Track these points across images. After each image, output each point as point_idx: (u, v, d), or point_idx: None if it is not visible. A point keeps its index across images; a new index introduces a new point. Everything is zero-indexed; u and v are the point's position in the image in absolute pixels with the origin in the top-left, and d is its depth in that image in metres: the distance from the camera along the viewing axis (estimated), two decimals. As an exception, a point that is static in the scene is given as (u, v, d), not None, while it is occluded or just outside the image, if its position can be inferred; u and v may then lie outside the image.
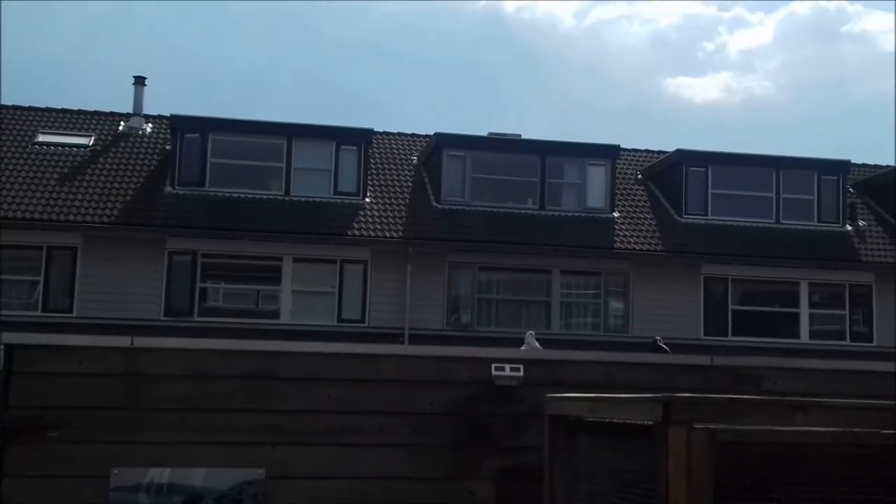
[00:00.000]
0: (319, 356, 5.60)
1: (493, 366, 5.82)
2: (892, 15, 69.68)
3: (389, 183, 23.40)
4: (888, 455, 3.50)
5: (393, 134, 25.81)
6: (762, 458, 3.36)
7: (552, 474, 4.76)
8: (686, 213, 23.24)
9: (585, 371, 6.06)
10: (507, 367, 5.86)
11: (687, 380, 6.17)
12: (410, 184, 23.51)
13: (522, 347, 14.57)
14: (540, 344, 16.13)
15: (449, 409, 5.71)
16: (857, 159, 25.54)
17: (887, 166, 25.95)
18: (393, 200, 22.69)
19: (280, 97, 60.74)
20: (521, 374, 5.83)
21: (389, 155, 24.69)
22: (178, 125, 21.94)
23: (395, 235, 21.54)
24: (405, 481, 5.51)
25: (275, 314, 21.03)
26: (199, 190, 21.40)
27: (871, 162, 26.93)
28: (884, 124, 65.77)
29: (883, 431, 3.33)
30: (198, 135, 21.62)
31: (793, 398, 3.53)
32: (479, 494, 5.60)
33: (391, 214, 22.14)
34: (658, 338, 18.48)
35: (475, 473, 5.60)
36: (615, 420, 4.23)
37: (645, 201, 23.99)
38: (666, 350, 14.48)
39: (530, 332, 17.59)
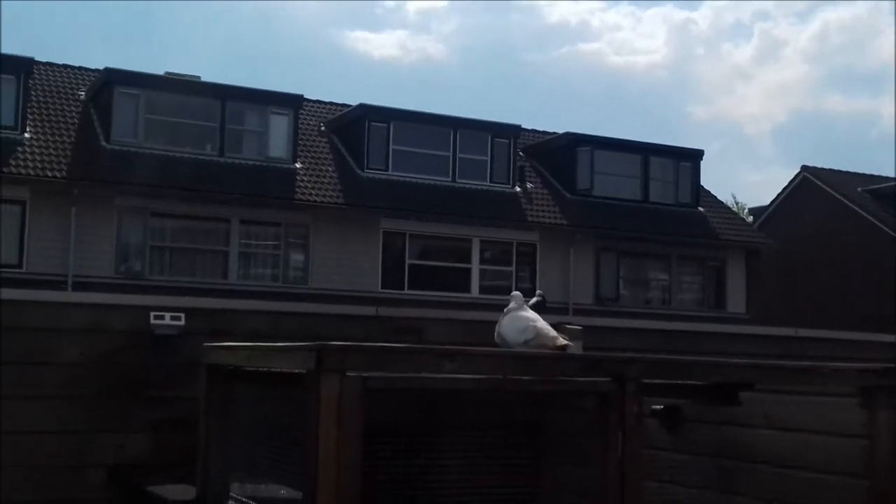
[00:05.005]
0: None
1: (152, 314, 5.57)
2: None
3: (53, 118, 21.69)
4: (529, 400, 3.68)
5: (58, 65, 23.96)
6: (412, 404, 3.41)
7: (207, 424, 4.61)
8: (367, 168, 23.54)
9: (249, 320, 5.95)
10: (167, 315, 5.63)
11: (352, 330, 6.22)
12: (77, 121, 21.96)
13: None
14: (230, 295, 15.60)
15: (102, 358, 5.40)
16: (520, 124, 26.87)
17: (553, 133, 27.76)
18: (57, 137, 21.08)
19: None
20: (182, 322, 5.62)
21: (54, 88, 22.90)
22: None
23: (59, 175, 20.07)
24: (47, 436, 5.16)
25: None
26: None
27: (539, 128, 28.70)
28: (547, 92, 70.58)
29: (524, 377, 3.49)
30: None
31: (443, 346, 3.60)
32: (129, 447, 5.36)
33: (54, 152, 20.58)
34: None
35: (126, 426, 5.34)
36: (272, 369, 4.15)
37: (327, 153, 24.02)
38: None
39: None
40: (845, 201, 29.48)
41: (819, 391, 4.44)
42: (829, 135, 70.30)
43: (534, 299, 4.89)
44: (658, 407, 4.87)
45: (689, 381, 4.43)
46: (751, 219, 33.28)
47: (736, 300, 26.38)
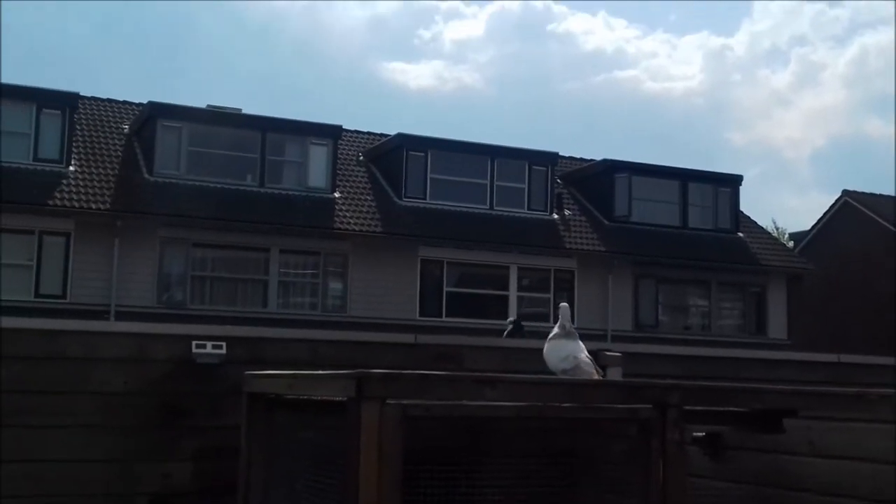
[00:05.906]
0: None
1: (193, 343, 5.60)
2: (592, 17, 74.75)
3: (97, 151, 22.12)
4: (568, 427, 3.67)
5: (102, 100, 24.43)
6: (452, 432, 3.41)
7: (249, 453, 4.63)
8: (405, 197, 23.67)
9: (289, 349, 5.96)
10: (209, 344, 5.65)
11: (391, 357, 6.21)
12: (121, 154, 22.35)
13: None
14: (260, 324, 15.70)
15: (144, 388, 5.43)
16: (558, 152, 26.85)
17: (591, 160, 27.73)
18: (101, 170, 21.48)
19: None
20: (224, 351, 5.64)
21: (98, 122, 23.35)
22: None
23: (102, 207, 20.40)
24: (92, 464, 5.18)
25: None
26: None
27: (577, 155, 28.67)
28: (584, 120, 70.56)
29: (564, 404, 3.47)
30: None
31: (482, 373, 3.60)
32: (174, 477, 5.37)
33: (98, 185, 20.95)
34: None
35: (171, 455, 5.36)
36: (313, 397, 4.16)
37: (366, 183, 24.19)
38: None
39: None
40: (887, 225, 29.10)
41: (864, 418, 4.37)
42: (869, 159, 69.55)
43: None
44: (699, 434, 4.82)
45: (730, 408, 4.38)
46: (791, 244, 32.93)
47: (777, 326, 26.08)
